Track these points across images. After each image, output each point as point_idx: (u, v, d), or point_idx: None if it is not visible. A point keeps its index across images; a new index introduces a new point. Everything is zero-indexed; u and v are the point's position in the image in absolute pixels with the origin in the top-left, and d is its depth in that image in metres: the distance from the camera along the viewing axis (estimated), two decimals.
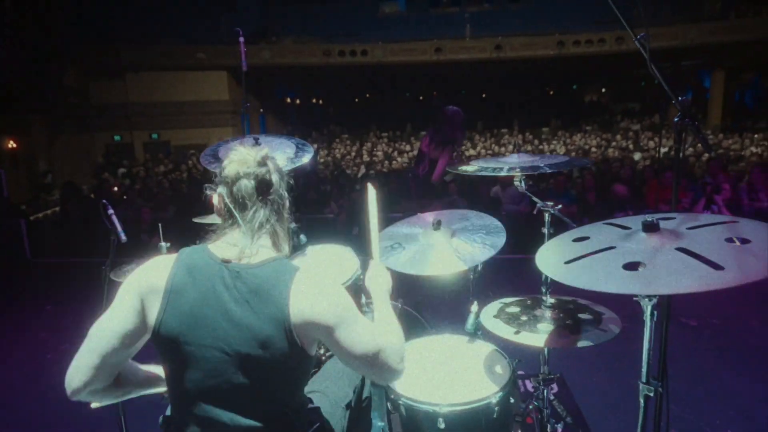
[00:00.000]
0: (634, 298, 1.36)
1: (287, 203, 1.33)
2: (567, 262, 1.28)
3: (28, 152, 13.13)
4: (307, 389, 1.58)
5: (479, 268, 2.26)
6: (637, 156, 12.48)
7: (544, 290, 1.88)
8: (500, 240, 2.05)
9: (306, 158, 2.35)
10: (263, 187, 1.27)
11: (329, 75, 19.73)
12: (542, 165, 1.96)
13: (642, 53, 1.60)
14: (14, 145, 12.50)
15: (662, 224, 1.33)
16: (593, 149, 15.34)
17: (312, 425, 1.35)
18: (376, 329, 1.31)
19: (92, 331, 1.23)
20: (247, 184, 1.25)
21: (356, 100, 26.56)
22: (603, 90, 27.54)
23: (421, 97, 26.10)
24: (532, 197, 2.16)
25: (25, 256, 6.26)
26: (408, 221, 2.34)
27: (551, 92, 26.87)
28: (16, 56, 6.85)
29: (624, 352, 1.44)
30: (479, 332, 2.05)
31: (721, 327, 3.87)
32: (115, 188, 10.16)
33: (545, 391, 1.86)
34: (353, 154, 16.52)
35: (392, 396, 1.71)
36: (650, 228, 1.29)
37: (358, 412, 1.70)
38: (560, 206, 2.15)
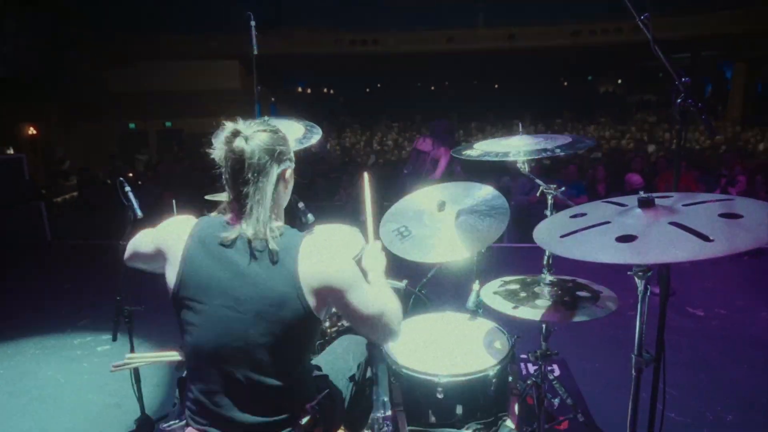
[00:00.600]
0: (629, 272, 1.40)
1: (272, 171, 1.32)
2: (562, 236, 1.33)
3: (46, 139, 13.39)
4: (315, 362, 1.66)
5: (483, 250, 2.30)
6: (651, 147, 12.34)
7: (545, 270, 1.92)
8: (504, 219, 2.05)
9: (314, 139, 2.39)
10: (239, 159, 1.29)
11: (340, 64, 19.71)
12: (547, 149, 1.98)
13: (646, 34, 1.62)
14: (33, 132, 12.75)
15: (658, 201, 1.36)
16: (606, 140, 15.19)
17: (321, 391, 1.42)
18: (377, 293, 1.40)
19: (133, 239, 1.53)
20: (230, 162, 1.31)
21: (367, 89, 26.49)
22: (619, 81, 27.13)
23: (432, 87, 25.96)
24: (535, 179, 2.19)
25: (45, 238, 6.44)
26: (408, 203, 2.34)
27: (565, 83, 26.54)
28: (35, 44, 6.96)
29: (628, 338, 1.48)
30: (480, 310, 2.10)
31: (728, 317, 3.88)
32: (131, 174, 10.34)
33: (543, 366, 1.91)
34: (363, 143, 16.55)
35: (394, 367, 1.77)
36: (645, 204, 1.33)
37: (362, 387, 1.77)
38: (563, 189, 2.18)
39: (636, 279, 1.38)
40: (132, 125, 17.65)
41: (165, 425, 1.50)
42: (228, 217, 1.36)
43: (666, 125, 17.18)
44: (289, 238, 1.32)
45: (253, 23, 2.60)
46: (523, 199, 7.01)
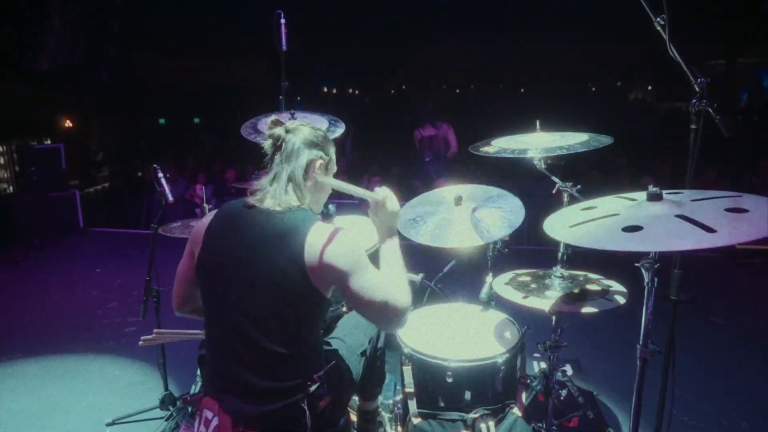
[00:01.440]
0: (636, 264, 1.44)
1: (302, 155, 1.46)
2: (571, 226, 1.37)
3: (82, 132, 13.87)
4: (326, 337, 1.73)
5: (498, 246, 2.35)
6: None
7: (558, 265, 1.96)
8: (519, 218, 2.11)
9: (338, 132, 2.49)
10: (277, 144, 1.48)
11: (366, 65, 19.81)
12: (562, 147, 2.02)
13: (663, 36, 1.65)
14: (70, 125, 13.24)
15: (667, 196, 1.40)
16: None
17: (329, 362, 1.50)
18: (384, 281, 1.41)
19: (178, 268, 1.57)
20: (267, 144, 1.50)
21: (392, 91, 26.56)
22: (649, 87, 26.57)
23: (457, 90, 25.88)
24: (552, 176, 2.23)
25: (79, 225, 6.71)
26: (428, 196, 2.42)
27: (593, 88, 26.11)
28: (76, 39, 7.25)
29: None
30: (492, 302, 2.16)
31: (749, 327, 3.82)
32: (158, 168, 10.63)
33: (552, 358, 1.95)
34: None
35: (406, 351, 1.84)
36: (654, 197, 1.36)
37: (373, 360, 1.83)
38: (579, 186, 2.21)
39: (643, 270, 1.42)
40: (162, 120, 18.13)
41: (186, 395, 1.60)
42: (257, 196, 1.45)
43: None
44: (303, 216, 1.40)
45: (283, 21, 2.70)
46: (546, 202, 7.00)
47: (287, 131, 1.47)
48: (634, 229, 1.25)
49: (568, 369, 3.13)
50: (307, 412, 1.39)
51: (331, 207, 2.54)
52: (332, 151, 1.55)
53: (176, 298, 1.58)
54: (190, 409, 2.28)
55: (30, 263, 5.51)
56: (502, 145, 2.12)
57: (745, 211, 1.23)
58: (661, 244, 1.16)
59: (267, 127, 1.49)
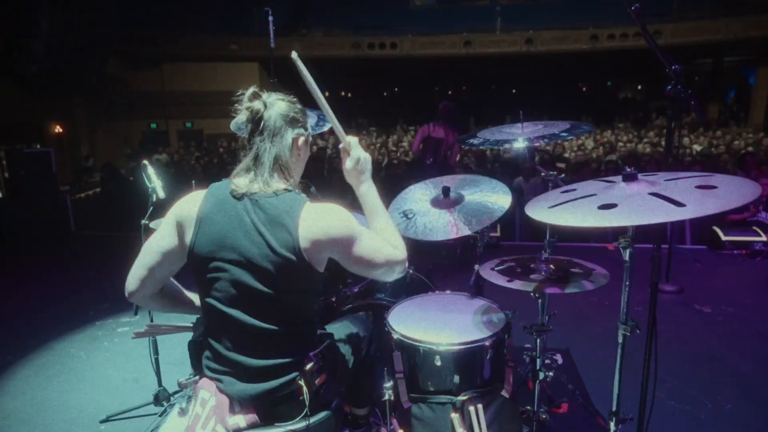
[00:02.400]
0: (614, 243, 1.49)
1: (287, 135, 1.45)
2: (550, 207, 1.42)
3: (72, 137, 13.81)
4: (320, 331, 1.76)
5: (486, 239, 2.40)
6: None
7: (545, 249, 2.00)
8: (505, 203, 2.16)
9: (326, 127, 2.53)
10: (257, 119, 1.44)
11: (358, 68, 19.92)
12: (546, 134, 2.07)
13: (637, 23, 1.71)
14: (60, 130, 13.18)
15: (642, 177, 1.45)
16: (623, 144, 15.07)
17: (323, 342, 1.53)
18: (379, 241, 1.47)
19: (143, 248, 1.51)
20: (242, 118, 1.45)
21: (385, 93, 26.65)
22: (639, 87, 26.84)
23: (450, 92, 26.02)
24: (536, 166, 2.28)
25: (70, 229, 6.69)
26: (417, 187, 2.48)
27: (584, 88, 26.35)
28: (64, 43, 7.24)
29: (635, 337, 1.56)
30: (481, 291, 2.20)
31: (736, 314, 3.89)
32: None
33: (538, 341, 1.99)
34: (378, 144, 16.69)
35: (396, 337, 1.87)
36: (629, 178, 1.41)
37: (367, 357, 1.87)
38: (563, 176, 2.27)
39: (621, 250, 1.47)
40: (154, 125, 18.09)
41: (181, 379, 1.62)
42: (242, 178, 1.45)
43: (686, 130, 16.94)
44: (293, 197, 1.42)
45: (271, 18, 2.75)
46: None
47: (265, 106, 1.44)
48: (609, 207, 1.30)
49: (559, 358, 3.18)
50: (305, 389, 1.42)
51: (313, 189, 2.57)
52: (309, 123, 1.55)
53: (136, 279, 1.49)
54: (186, 398, 2.30)
55: (20, 268, 5.49)
56: (486, 136, 2.17)
57: (714, 187, 1.28)
58: (634, 218, 1.21)
59: (245, 99, 1.44)
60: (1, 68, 7.24)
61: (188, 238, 1.43)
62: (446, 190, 2.39)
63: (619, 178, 1.49)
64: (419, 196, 2.47)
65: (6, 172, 7.06)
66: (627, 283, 1.49)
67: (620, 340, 1.51)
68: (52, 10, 6.65)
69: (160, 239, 1.47)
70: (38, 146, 7.50)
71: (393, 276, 1.50)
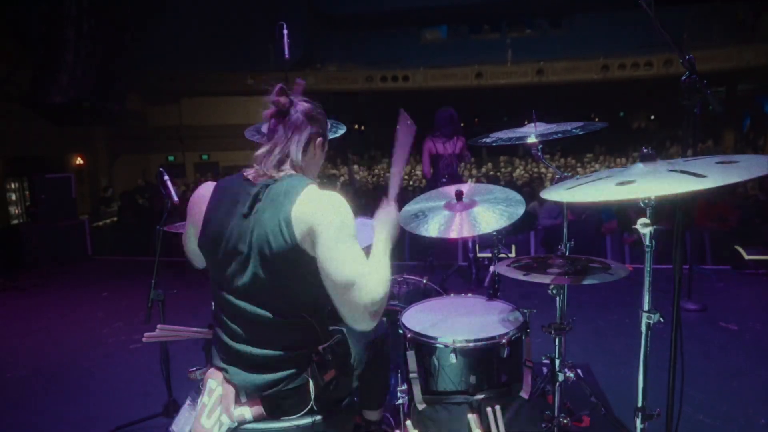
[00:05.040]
0: (633, 227, 1.44)
1: (305, 131, 1.45)
2: (567, 189, 1.40)
3: (92, 168, 14.17)
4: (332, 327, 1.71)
5: (501, 247, 2.36)
6: None
7: (563, 246, 1.95)
8: (519, 210, 2.14)
9: (339, 134, 2.55)
10: (281, 114, 1.45)
11: (371, 100, 20.30)
12: (557, 131, 2.07)
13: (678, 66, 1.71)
14: (81, 162, 13.55)
15: (661, 161, 1.42)
16: None
17: (333, 336, 1.48)
18: (361, 263, 1.29)
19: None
20: (270, 124, 1.45)
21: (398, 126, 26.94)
22: (652, 117, 26.84)
23: (462, 124, 26.28)
24: (550, 166, 2.27)
25: (87, 253, 6.77)
26: (430, 194, 2.47)
27: (596, 119, 26.47)
28: (87, 76, 7.52)
29: (655, 345, 1.50)
30: (497, 293, 2.15)
31: (763, 331, 3.74)
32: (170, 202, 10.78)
33: (557, 340, 1.92)
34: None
35: (409, 335, 1.83)
36: (647, 158, 1.39)
37: (380, 357, 1.81)
38: (578, 177, 2.24)
39: (641, 231, 1.42)
40: (171, 158, 18.50)
41: (192, 369, 1.58)
42: (254, 169, 1.45)
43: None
44: (297, 179, 1.39)
45: (285, 31, 2.82)
46: (550, 223, 7.00)
47: (291, 102, 1.46)
48: (628, 183, 1.27)
49: (579, 372, 3.06)
50: (311, 382, 1.38)
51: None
52: (327, 128, 1.57)
53: (185, 242, 1.61)
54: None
55: (38, 290, 5.54)
56: (498, 135, 2.16)
57: (735, 162, 1.25)
58: (652, 190, 1.18)
59: (273, 93, 1.44)
60: (26, 100, 7.51)
61: (197, 231, 1.46)
62: (459, 194, 2.38)
63: (637, 165, 1.46)
64: (432, 202, 2.45)
65: (27, 201, 7.22)
66: (649, 268, 1.44)
67: (643, 329, 1.45)
68: (77, 44, 6.94)
69: (185, 236, 1.58)
70: (68, 174, 7.67)
71: (353, 313, 1.28)
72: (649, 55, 16.12)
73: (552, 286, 1.77)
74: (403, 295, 2.64)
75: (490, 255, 2.56)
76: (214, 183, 1.51)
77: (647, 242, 1.42)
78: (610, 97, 21.46)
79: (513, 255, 5.94)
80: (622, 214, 6.84)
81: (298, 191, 1.34)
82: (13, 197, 9.89)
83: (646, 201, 1.34)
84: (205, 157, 18.74)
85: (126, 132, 14.62)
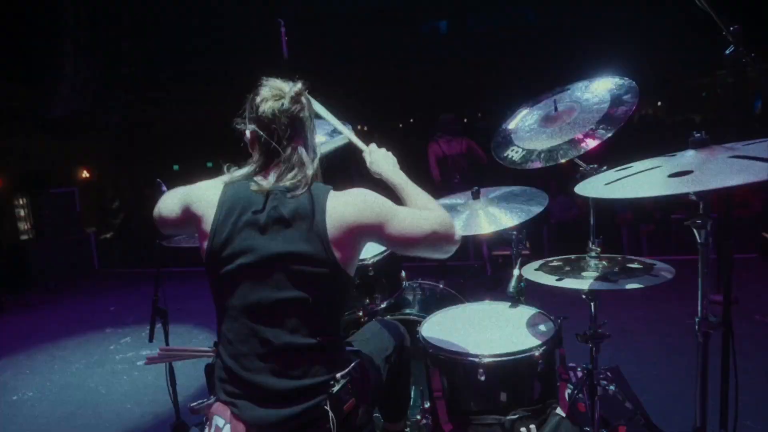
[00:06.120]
0: (686, 222, 1.27)
1: (313, 133, 1.36)
2: (607, 183, 1.23)
3: (99, 181, 14.14)
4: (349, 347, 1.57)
5: (522, 243, 2.20)
6: None
7: (592, 243, 1.78)
8: (540, 205, 1.99)
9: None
10: (297, 124, 1.31)
11: (374, 100, 20.08)
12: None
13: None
14: (87, 175, 13.52)
15: (715, 145, 1.25)
16: None
17: (351, 362, 1.33)
18: (419, 213, 1.32)
19: (160, 200, 1.47)
20: (282, 122, 1.28)
21: (400, 125, 26.85)
22: (659, 103, 26.44)
23: (465, 120, 26.05)
24: (574, 159, 2.09)
25: (93, 267, 6.69)
26: (446, 197, 2.33)
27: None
28: (87, 85, 7.42)
29: (689, 345, 1.35)
30: (522, 297, 1.98)
31: None
32: None
33: (594, 350, 1.75)
34: None
35: (431, 351, 1.66)
36: (700, 144, 1.22)
37: (398, 370, 1.67)
38: (605, 168, 2.06)
39: (694, 230, 1.25)
40: (176, 166, 18.45)
41: (193, 404, 1.43)
42: (262, 172, 1.33)
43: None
44: (317, 187, 1.29)
45: (283, 29, 2.67)
46: (564, 217, 6.80)
47: (294, 97, 1.31)
48: (682, 174, 1.10)
49: (609, 376, 2.88)
50: (331, 415, 1.22)
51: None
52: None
53: (156, 218, 1.46)
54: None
55: (45, 306, 5.45)
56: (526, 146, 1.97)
57: None
58: (718, 181, 1.00)
59: (287, 101, 1.29)
60: (27, 114, 7.43)
61: (205, 235, 1.29)
62: (476, 193, 2.22)
63: (684, 152, 1.29)
64: (447, 203, 2.30)
65: (31, 214, 7.14)
66: (705, 270, 1.26)
67: (701, 339, 1.27)
68: (76, 53, 6.84)
69: (170, 209, 1.40)
70: (72, 188, 7.59)
71: (443, 251, 1.32)
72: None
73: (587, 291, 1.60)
74: (419, 302, 2.48)
75: (506, 253, 2.42)
76: (221, 181, 1.35)
77: (701, 239, 1.25)
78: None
79: (529, 252, 5.77)
80: (638, 203, 6.60)
81: (324, 200, 1.25)
82: (22, 213, 9.86)
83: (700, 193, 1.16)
84: (209, 164, 18.67)
85: (130, 140, 14.58)
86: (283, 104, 1.29)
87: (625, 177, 1.23)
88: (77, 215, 6.71)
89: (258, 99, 1.32)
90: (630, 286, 1.47)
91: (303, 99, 1.33)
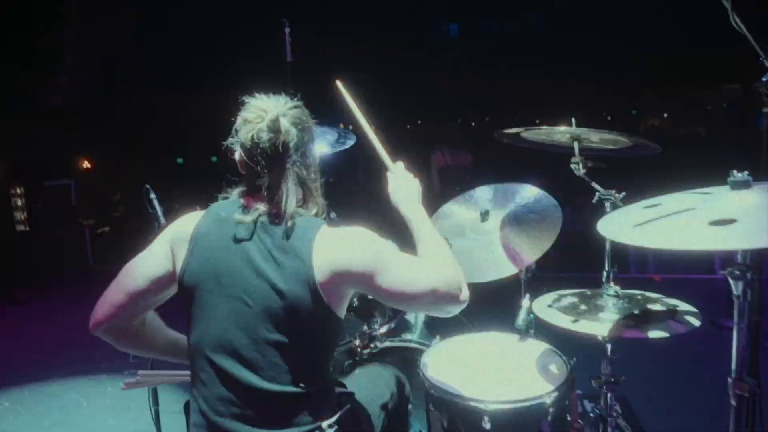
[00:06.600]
0: (720, 272, 1.14)
1: (311, 158, 1.23)
2: (637, 225, 1.09)
3: (100, 172, 14.04)
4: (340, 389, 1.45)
5: (533, 267, 2.08)
6: None
7: (606, 278, 1.65)
8: (557, 221, 1.88)
9: (348, 144, 2.29)
10: (279, 151, 1.17)
11: (383, 103, 19.96)
12: (608, 147, 1.76)
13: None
14: (88, 165, 13.43)
15: (756, 185, 1.11)
16: None
17: (342, 407, 1.21)
18: (422, 264, 1.19)
19: (124, 269, 1.25)
20: (263, 149, 1.16)
21: (408, 126, 26.79)
22: (665, 115, 26.32)
23: (473, 123, 25.96)
24: (592, 183, 1.96)
25: (88, 263, 6.56)
26: (448, 209, 2.19)
27: (609, 117, 26.00)
28: (89, 77, 7.32)
29: (701, 376, 1.23)
30: (531, 330, 1.84)
31: None
32: (177, 206, 10.59)
33: (609, 396, 1.61)
34: None
35: (432, 392, 1.53)
36: (740, 186, 1.08)
37: (396, 413, 1.54)
38: (624, 194, 1.93)
39: (731, 281, 1.12)
40: (180, 160, 18.35)
41: None
42: (244, 200, 1.21)
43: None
44: (306, 223, 1.16)
45: (287, 29, 2.54)
46: (572, 228, 6.65)
47: (279, 118, 1.17)
48: (725, 222, 0.97)
49: (617, 407, 2.74)
50: None
51: (333, 214, 2.28)
52: (328, 140, 1.33)
53: (113, 305, 1.23)
54: None
55: (32, 304, 5.30)
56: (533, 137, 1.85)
57: None
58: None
59: (264, 130, 1.15)
60: (27, 103, 7.31)
61: (180, 262, 1.17)
62: (485, 214, 2.09)
63: (719, 188, 1.16)
64: (453, 223, 2.16)
65: (26, 205, 7.02)
66: (741, 325, 1.13)
67: (734, 402, 1.14)
68: (78, 45, 6.73)
69: (148, 260, 1.22)
70: (67, 181, 7.48)
71: (444, 311, 1.19)
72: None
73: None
74: (421, 325, 2.35)
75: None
76: (202, 212, 1.24)
77: (737, 291, 1.11)
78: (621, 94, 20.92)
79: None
80: None
81: (312, 236, 1.12)
82: (19, 203, 9.74)
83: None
84: (214, 159, 18.55)
85: (132, 132, 14.48)
86: (261, 129, 1.15)
87: (657, 219, 1.09)
88: (72, 209, 6.58)
89: (239, 121, 1.20)
90: (653, 334, 1.34)
91: (285, 122, 1.17)
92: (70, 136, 10.15)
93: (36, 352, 3.97)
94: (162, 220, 2.17)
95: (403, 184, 1.38)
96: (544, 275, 2.03)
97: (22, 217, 9.41)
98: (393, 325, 2.12)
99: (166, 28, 8.29)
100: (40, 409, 3.06)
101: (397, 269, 1.14)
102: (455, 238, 2.05)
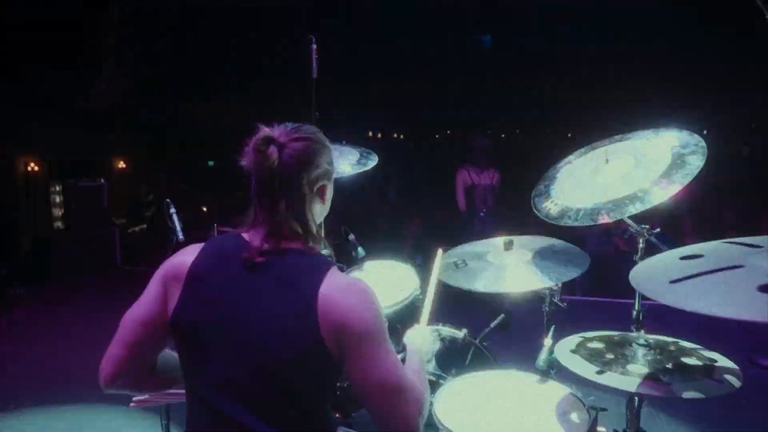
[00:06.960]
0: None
1: (306, 183, 1.16)
2: (673, 282, 0.99)
3: (133, 173, 14.45)
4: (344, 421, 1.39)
5: (555, 299, 1.99)
6: None
7: (635, 326, 1.55)
8: (578, 269, 1.82)
9: (370, 164, 2.24)
10: (285, 180, 1.13)
11: (410, 110, 19.92)
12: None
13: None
14: (123, 166, 13.84)
15: None
16: None
17: None
18: (403, 368, 1.15)
19: (122, 320, 1.20)
20: (264, 182, 1.14)
21: (437, 136, 26.58)
22: (704, 131, 25.46)
23: (503, 135, 25.60)
24: (624, 218, 1.85)
25: (116, 263, 6.69)
26: (473, 244, 2.15)
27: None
28: (126, 81, 7.52)
29: (737, 421, 1.11)
30: (552, 371, 1.74)
31: None
32: (204, 208, 10.73)
33: None
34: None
35: None
36: None
37: None
38: (658, 230, 1.82)
39: None
40: (211, 163, 18.69)
41: None
42: (248, 233, 1.16)
43: None
44: (314, 265, 1.11)
45: (314, 46, 2.52)
46: (599, 249, 6.44)
47: (280, 149, 1.13)
48: None
49: None
50: None
51: (361, 250, 2.24)
52: (331, 157, 1.24)
53: (116, 360, 1.16)
54: None
55: (61, 304, 5.42)
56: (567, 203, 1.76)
57: None
58: None
59: (253, 147, 1.13)
60: (66, 108, 7.56)
61: (173, 302, 1.12)
62: (509, 243, 2.01)
63: (764, 239, 1.05)
64: (476, 250, 2.11)
65: (64, 203, 7.25)
66: None
67: None
68: (118, 50, 6.93)
69: (143, 305, 1.17)
70: (102, 180, 7.69)
71: (395, 419, 1.08)
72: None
73: None
74: (438, 354, 2.27)
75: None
76: (199, 245, 1.20)
77: None
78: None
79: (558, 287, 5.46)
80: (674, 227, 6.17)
81: (319, 278, 1.07)
82: (57, 200, 10.09)
83: None
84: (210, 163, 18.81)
85: (166, 136, 14.85)
86: (262, 162, 1.12)
87: (696, 276, 0.99)
88: (104, 210, 6.75)
89: (246, 148, 1.16)
90: (687, 395, 1.22)
91: (286, 156, 1.13)
92: (106, 138, 10.48)
93: (54, 358, 3.96)
94: (180, 236, 2.17)
95: (423, 336, 1.52)
96: (569, 306, 1.94)
97: (60, 214, 9.73)
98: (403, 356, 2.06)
99: (199, 37, 8.48)
100: (54, 418, 3.08)
101: (384, 351, 1.08)
102: (473, 260, 2.03)
